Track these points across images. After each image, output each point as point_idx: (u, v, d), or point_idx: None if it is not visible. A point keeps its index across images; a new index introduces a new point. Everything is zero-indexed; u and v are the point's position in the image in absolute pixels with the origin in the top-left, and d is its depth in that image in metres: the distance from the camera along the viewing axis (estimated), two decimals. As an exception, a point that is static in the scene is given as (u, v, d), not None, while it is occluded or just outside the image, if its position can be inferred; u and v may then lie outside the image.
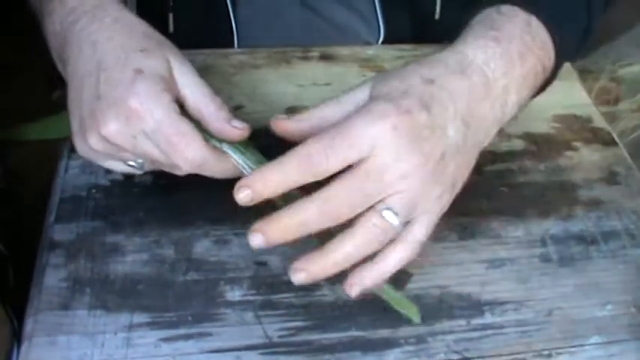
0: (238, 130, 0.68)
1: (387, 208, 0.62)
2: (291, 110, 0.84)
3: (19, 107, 1.06)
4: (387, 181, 0.61)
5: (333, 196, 0.61)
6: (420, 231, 0.64)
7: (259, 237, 0.61)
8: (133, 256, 0.69)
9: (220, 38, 1.00)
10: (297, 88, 0.87)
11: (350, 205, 0.61)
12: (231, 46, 1.00)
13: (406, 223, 0.63)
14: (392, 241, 0.63)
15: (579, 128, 0.87)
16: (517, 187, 0.79)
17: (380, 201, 0.62)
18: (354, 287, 0.63)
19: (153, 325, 0.63)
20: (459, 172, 0.66)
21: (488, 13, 0.70)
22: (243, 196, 0.61)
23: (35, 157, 1.00)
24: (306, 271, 0.62)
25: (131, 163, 0.68)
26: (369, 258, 0.63)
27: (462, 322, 0.66)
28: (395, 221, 0.62)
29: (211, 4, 1.00)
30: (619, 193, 0.80)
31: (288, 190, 0.62)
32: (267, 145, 0.75)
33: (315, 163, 0.61)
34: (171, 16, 0.98)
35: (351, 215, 0.62)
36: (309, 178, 0.62)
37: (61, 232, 0.70)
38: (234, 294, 0.66)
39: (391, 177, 0.61)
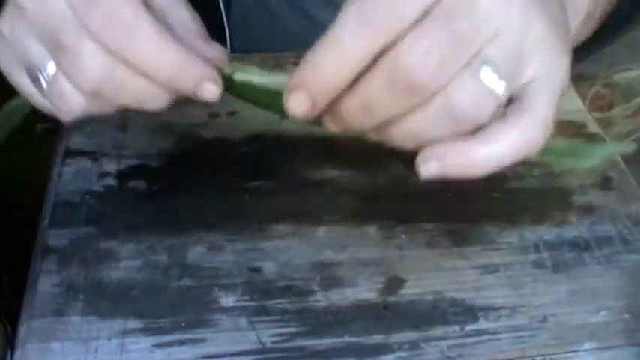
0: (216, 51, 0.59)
1: (485, 63, 0.49)
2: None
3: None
4: (481, 19, 0.48)
5: (406, 56, 0.47)
6: (541, 103, 0.54)
7: (304, 101, 0.51)
8: (126, 261, 0.68)
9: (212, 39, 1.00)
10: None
11: (432, 67, 0.47)
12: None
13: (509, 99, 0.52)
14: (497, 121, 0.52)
15: (573, 134, 0.87)
16: (510, 193, 0.79)
17: (473, 56, 0.49)
18: (429, 166, 0.54)
19: (146, 330, 0.63)
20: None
21: None
22: (298, 102, 0.50)
23: (29, 163, 1.00)
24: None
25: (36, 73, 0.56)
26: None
27: (456, 327, 0.66)
28: (498, 86, 0.50)
29: (204, 8, 1.00)
30: (613, 199, 0.80)
31: (354, 75, 0.49)
32: (262, 151, 0.76)
33: (379, 18, 0.47)
34: None
35: (434, 86, 0.48)
36: (378, 43, 0.48)
37: (54, 238, 0.70)
38: (228, 300, 0.66)
39: (486, 10, 0.48)
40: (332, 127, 0.55)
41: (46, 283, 0.66)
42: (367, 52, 0.48)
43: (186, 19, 0.60)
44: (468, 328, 0.66)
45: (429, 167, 0.54)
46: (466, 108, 0.50)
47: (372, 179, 0.79)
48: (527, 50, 0.51)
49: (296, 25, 1.02)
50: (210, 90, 0.55)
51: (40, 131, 1.01)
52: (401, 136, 0.53)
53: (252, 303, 0.66)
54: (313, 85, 0.49)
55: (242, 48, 1.01)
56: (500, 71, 0.49)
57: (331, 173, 0.79)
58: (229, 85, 0.58)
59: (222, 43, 1.00)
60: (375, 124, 0.52)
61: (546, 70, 0.53)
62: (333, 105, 0.51)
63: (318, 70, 0.49)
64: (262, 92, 0.59)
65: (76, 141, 0.80)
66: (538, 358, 0.64)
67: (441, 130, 0.52)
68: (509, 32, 0.49)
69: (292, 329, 0.65)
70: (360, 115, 0.51)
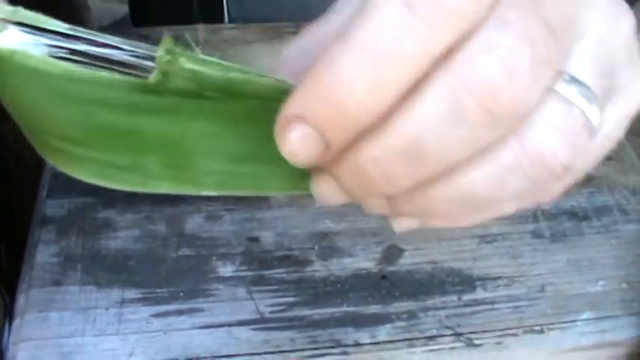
0: None
1: (572, 81, 0.35)
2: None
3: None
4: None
5: (485, 61, 0.32)
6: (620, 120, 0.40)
7: (330, 182, 0.38)
8: (124, 232, 0.68)
9: (210, 9, 0.99)
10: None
11: (525, 79, 0.32)
12: (221, 18, 0.99)
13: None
14: None
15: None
16: (509, 163, 0.79)
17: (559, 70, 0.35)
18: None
19: (144, 300, 0.63)
20: None
21: None
22: (302, 142, 0.34)
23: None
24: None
25: None
26: None
27: (454, 297, 0.66)
28: (591, 108, 0.36)
29: None
30: (611, 169, 0.79)
31: (398, 97, 0.32)
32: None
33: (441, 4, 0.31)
34: None
35: (523, 110, 0.34)
36: (440, 42, 0.32)
37: (52, 208, 0.70)
38: (226, 270, 0.66)
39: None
40: (331, 191, 0.39)
41: (44, 253, 0.66)
42: (424, 56, 0.32)
43: None
44: (466, 297, 0.66)
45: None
46: (559, 148, 0.36)
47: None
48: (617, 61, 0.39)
49: None
50: None
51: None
52: (447, 200, 0.37)
53: (251, 273, 0.66)
54: (328, 112, 0.33)
55: (239, 14, 1.01)
56: (591, 91, 0.36)
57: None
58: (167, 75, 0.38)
59: (220, 12, 1.00)
60: (413, 182, 0.36)
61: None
62: (346, 152, 0.35)
63: (338, 88, 0.32)
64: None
65: (74, 111, 0.79)
66: (536, 327, 0.64)
67: (518, 184, 0.37)
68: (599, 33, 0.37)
69: (290, 299, 0.65)
70: (395, 166, 0.34)
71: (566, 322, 0.65)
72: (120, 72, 0.38)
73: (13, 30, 0.37)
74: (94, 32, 0.38)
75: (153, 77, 0.36)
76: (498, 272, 0.68)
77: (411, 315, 0.64)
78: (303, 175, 0.40)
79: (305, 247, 0.68)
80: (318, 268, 0.67)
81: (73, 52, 0.38)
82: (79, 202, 0.71)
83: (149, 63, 0.38)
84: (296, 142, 0.34)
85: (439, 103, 0.32)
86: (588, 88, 0.36)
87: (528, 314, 0.65)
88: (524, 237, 0.71)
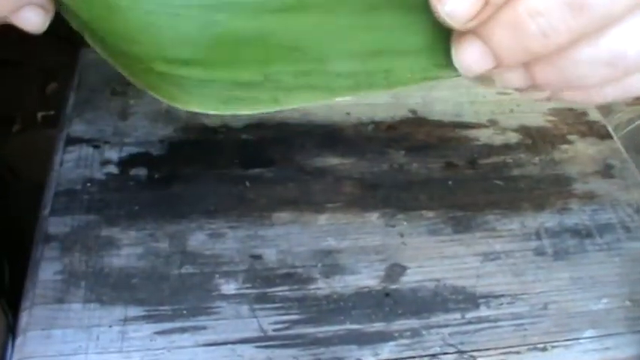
0: None
1: None
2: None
3: (14, 100, 1.06)
4: None
5: None
6: None
7: (477, 45, 0.39)
8: (127, 249, 0.68)
9: None
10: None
11: None
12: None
13: None
14: None
15: (574, 122, 0.87)
16: (512, 181, 0.79)
17: None
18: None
19: (148, 318, 0.63)
20: None
21: None
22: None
23: (30, 151, 1.00)
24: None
25: None
26: None
27: (457, 315, 0.66)
28: None
29: None
30: (614, 186, 0.80)
31: None
32: (263, 139, 0.76)
33: None
34: None
35: None
36: None
37: (55, 226, 0.70)
38: (229, 287, 0.66)
39: None
40: (477, 55, 0.39)
41: (47, 270, 0.66)
42: None
43: None
44: (470, 315, 0.66)
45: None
46: None
47: (374, 167, 0.79)
48: None
49: None
50: (32, 20, 0.42)
51: (41, 119, 1.01)
52: (596, 61, 0.38)
53: (254, 290, 0.66)
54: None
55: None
56: None
57: (332, 161, 0.79)
58: None
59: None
60: (571, 36, 0.37)
61: None
62: (504, 6, 0.36)
63: None
64: None
65: (77, 128, 0.79)
66: (539, 345, 0.64)
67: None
68: None
69: (294, 317, 0.64)
70: (555, 17, 0.36)
71: (569, 340, 0.65)
72: None
73: None
74: None
75: None
76: (501, 290, 0.68)
77: (414, 333, 0.64)
78: (435, 61, 0.40)
79: (308, 264, 0.68)
80: (322, 286, 0.67)
81: None
82: (81, 219, 0.71)
83: None
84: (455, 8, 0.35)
85: None
86: None
87: (531, 332, 0.65)
88: (527, 255, 0.71)
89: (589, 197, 0.78)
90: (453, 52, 0.40)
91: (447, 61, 0.41)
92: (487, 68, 0.39)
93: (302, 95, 0.44)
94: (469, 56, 0.39)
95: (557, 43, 0.36)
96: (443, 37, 0.40)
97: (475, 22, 0.36)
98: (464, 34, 0.39)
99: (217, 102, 0.45)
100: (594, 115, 0.88)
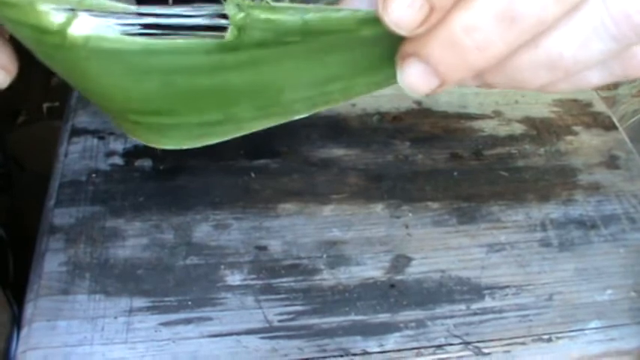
0: None
1: None
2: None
3: (20, 92, 1.06)
4: None
5: None
6: None
7: (419, 67, 0.39)
8: (132, 240, 0.68)
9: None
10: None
11: None
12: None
13: None
14: None
15: (579, 113, 0.87)
16: (517, 172, 0.79)
17: None
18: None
19: (153, 309, 0.63)
20: None
21: None
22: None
23: (35, 142, 1.00)
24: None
25: None
26: None
27: (462, 306, 0.66)
28: None
29: None
30: (619, 178, 0.80)
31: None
32: (268, 130, 0.75)
33: None
34: None
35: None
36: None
37: (60, 217, 0.70)
38: (234, 278, 0.66)
39: None
40: (420, 75, 0.40)
41: (52, 262, 0.66)
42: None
43: None
44: (475, 306, 0.66)
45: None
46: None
47: (378, 158, 0.79)
48: None
49: None
50: None
51: (46, 110, 1.01)
52: (535, 66, 0.40)
53: (259, 282, 0.66)
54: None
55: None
56: None
57: (337, 152, 0.79)
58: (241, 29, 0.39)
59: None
60: (505, 48, 0.38)
61: None
62: (439, 25, 0.38)
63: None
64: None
65: (82, 120, 0.80)
66: (544, 336, 0.64)
67: (603, 47, 0.39)
68: None
69: (299, 308, 0.65)
70: (488, 31, 0.37)
71: (574, 331, 0.65)
72: (195, 36, 0.38)
73: (84, 16, 0.37)
74: (156, 7, 0.38)
75: (229, 34, 0.37)
76: (506, 281, 0.68)
77: (419, 324, 0.64)
78: (387, 74, 0.41)
79: (313, 255, 0.68)
80: (327, 277, 0.67)
81: (144, 26, 0.38)
82: (86, 210, 0.71)
83: (222, 21, 0.38)
84: (402, 8, 0.36)
85: None
86: None
87: (536, 323, 0.65)
88: (532, 246, 0.71)
89: (594, 188, 0.78)
90: (399, 76, 0.41)
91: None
92: (432, 87, 0.40)
93: (262, 122, 0.48)
94: (413, 78, 0.40)
95: (494, 55, 0.37)
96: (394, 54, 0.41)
97: (424, 29, 0.37)
98: (405, 57, 0.39)
99: (188, 139, 0.50)
100: (599, 106, 0.88)
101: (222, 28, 0.38)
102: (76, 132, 0.78)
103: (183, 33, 0.38)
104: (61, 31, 0.38)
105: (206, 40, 0.38)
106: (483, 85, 0.43)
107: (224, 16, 0.38)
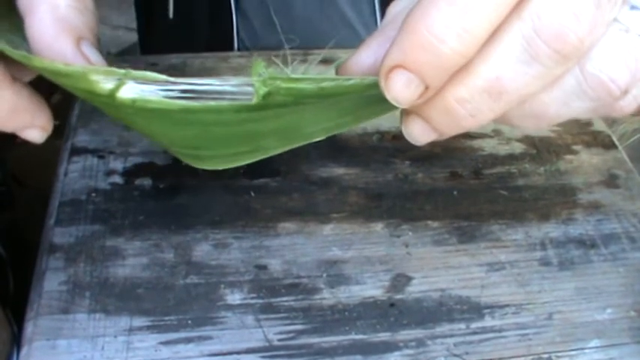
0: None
1: (633, 8, 0.41)
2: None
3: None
4: None
5: (554, 6, 0.38)
6: None
7: (420, 123, 0.45)
8: (132, 259, 0.68)
9: (220, 28, 1.00)
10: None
11: (588, 19, 0.38)
12: (231, 46, 1.00)
13: None
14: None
15: (579, 132, 0.87)
16: (517, 191, 0.79)
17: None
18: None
19: (153, 328, 0.63)
20: None
21: None
22: (403, 85, 0.41)
23: (35, 161, 1.01)
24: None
25: None
26: None
27: (462, 325, 0.66)
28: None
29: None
30: (619, 197, 0.80)
31: (486, 37, 0.40)
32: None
33: None
34: (171, 1, 0.99)
35: (587, 45, 0.40)
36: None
37: (60, 236, 0.70)
38: (235, 297, 0.66)
39: None
40: (421, 131, 0.47)
41: (52, 280, 0.66)
42: (502, 5, 0.39)
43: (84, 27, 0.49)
44: (474, 325, 0.66)
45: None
46: (617, 73, 0.41)
47: (378, 177, 0.79)
48: None
49: (305, 16, 1.02)
50: (33, 136, 0.53)
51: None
52: (523, 117, 0.46)
53: (259, 301, 0.66)
54: (425, 58, 0.39)
55: (249, 34, 1.01)
56: None
57: (337, 171, 0.79)
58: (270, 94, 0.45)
59: (230, 39, 1.00)
60: (494, 115, 0.43)
61: None
62: (436, 96, 0.43)
63: (433, 37, 0.39)
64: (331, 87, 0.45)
65: (81, 139, 0.80)
66: (544, 355, 0.64)
67: (583, 105, 0.44)
68: None
69: (299, 327, 0.65)
70: (479, 102, 0.42)
71: (574, 350, 0.65)
72: (225, 99, 0.46)
73: (131, 83, 0.45)
74: (189, 78, 0.46)
75: (254, 100, 0.44)
76: (506, 300, 0.68)
77: (420, 343, 0.64)
78: (393, 105, 0.46)
79: (313, 275, 0.69)
80: (327, 296, 0.67)
81: (182, 91, 0.46)
82: (86, 229, 0.71)
83: (248, 88, 0.45)
84: (400, 88, 0.41)
85: (515, 48, 0.39)
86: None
87: (536, 342, 0.65)
88: (532, 265, 0.71)
89: (594, 207, 0.78)
90: (403, 127, 0.47)
91: None
92: (432, 139, 0.47)
93: (286, 147, 0.61)
94: (415, 132, 0.46)
95: (484, 119, 0.43)
96: None
97: (421, 101, 0.42)
98: (409, 114, 0.46)
99: (223, 164, 0.63)
100: (599, 125, 0.88)
101: (249, 93, 0.45)
102: (76, 151, 0.78)
103: (215, 97, 0.46)
104: (110, 95, 0.45)
105: (235, 103, 0.46)
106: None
107: (250, 84, 0.45)
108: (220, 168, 0.64)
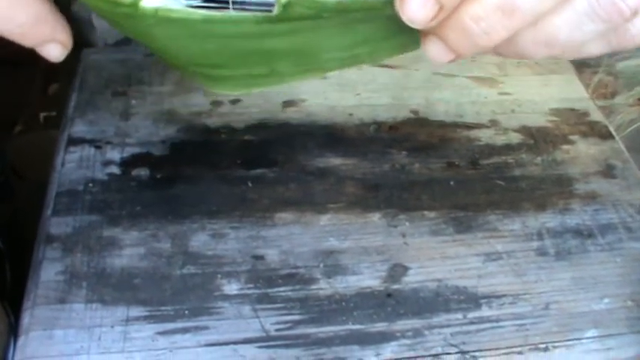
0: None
1: None
2: (288, 104, 0.84)
3: (17, 101, 1.06)
4: None
5: None
6: None
7: (438, 44, 0.47)
8: (129, 249, 0.68)
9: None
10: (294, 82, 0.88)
11: None
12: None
13: None
14: None
15: (576, 122, 0.87)
16: (514, 181, 0.79)
17: None
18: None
19: (150, 318, 0.63)
20: None
21: None
22: (418, 4, 0.42)
23: (33, 151, 1.00)
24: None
25: None
26: None
27: (459, 315, 0.66)
28: None
29: None
30: (616, 187, 0.80)
31: None
32: (265, 139, 0.76)
33: None
34: None
35: None
36: None
37: (57, 226, 0.70)
38: (231, 287, 0.66)
39: None
40: (439, 50, 0.48)
41: (49, 271, 0.66)
42: None
43: None
44: (471, 315, 0.66)
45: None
46: None
47: (375, 167, 0.79)
48: None
49: None
50: (53, 52, 0.51)
51: (43, 120, 1.01)
52: (536, 43, 0.47)
53: (256, 291, 0.66)
54: None
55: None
56: None
57: (334, 161, 0.79)
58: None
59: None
60: (508, 33, 0.45)
61: None
62: (452, 15, 0.44)
63: None
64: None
65: (78, 129, 0.80)
66: (541, 345, 0.64)
67: (594, 27, 0.45)
68: None
69: (296, 317, 0.65)
70: (493, 20, 0.44)
71: (571, 340, 0.65)
72: (246, 10, 0.46)
73: None
74: None
75: (276, 10, 0.45)
76: (503, 290, 0.68)
77: (416, 333, 0.64)
78: (408, 41, 0.49)
79: (310, 265, 0.68)
80: (324, 286, 0.67)
81: (204, 0, 0.46)
82: (83, 219, 0.71)
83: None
84: (416, 8, 0.42)
85: None
86: None
87: (533, 332, 0.65)
88: (529, 255, 0.71)
89: (591, 197, 0.78)
90: (422, 48, 0.48)
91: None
92: (450, 59, 0.47)
93: (300, 76, 0.58)
94: (434, 52, 0.47)
95: (499, 37, 0.44)
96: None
97: (435, 22, 0.43)
98: (427, 35, 0.47)
99: (238, 87, 0.60)
100: (596, 116, 0.88)
101: (270, 4, 0.45)
102: (73, 141, 0.78)
103: (237, 7, 0.46)
104: (133, 4, 0.45)
105: (256, 14, 0.46)
106: (496, 54, 0.50)
107: None
108: (235, 93, 0.68)
